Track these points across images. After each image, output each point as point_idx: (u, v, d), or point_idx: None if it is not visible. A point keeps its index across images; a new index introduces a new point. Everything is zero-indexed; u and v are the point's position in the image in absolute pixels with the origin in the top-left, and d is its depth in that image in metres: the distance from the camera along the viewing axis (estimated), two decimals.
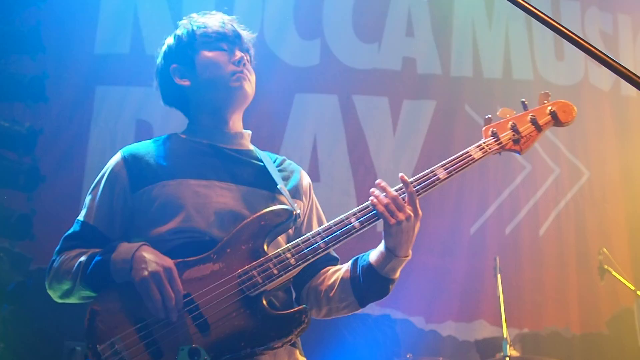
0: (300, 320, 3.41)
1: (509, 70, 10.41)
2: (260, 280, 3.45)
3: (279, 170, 4.03)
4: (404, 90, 10.05)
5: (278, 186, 3.85)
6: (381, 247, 3.66)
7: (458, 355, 9.07)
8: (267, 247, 3.58)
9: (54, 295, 3.82)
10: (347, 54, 9.90)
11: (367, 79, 9.89)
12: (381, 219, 3.58)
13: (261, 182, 3.87)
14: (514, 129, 3.88)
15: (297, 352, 3.75)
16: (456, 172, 3.79)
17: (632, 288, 8.52)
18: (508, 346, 7.23)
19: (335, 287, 3.79)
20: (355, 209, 3.65)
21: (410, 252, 3.66)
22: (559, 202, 10.13)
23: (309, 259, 3.54)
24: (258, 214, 3.63)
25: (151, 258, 3.43)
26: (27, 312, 7.78)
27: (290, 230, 3.84)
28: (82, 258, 3.59)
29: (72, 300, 3.73)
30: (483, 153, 3.86)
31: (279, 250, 3.55)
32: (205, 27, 4.03)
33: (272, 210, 3.65)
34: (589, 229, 10.07)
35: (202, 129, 3.99)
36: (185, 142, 3.97)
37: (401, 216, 3.54)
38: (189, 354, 3.29)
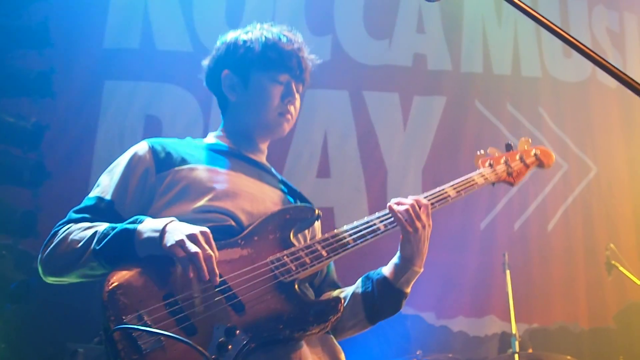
0: (336, 309, 3.26)
1: (518, 66, 10.13)
2: (294, 268, 3.31)
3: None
4: (414, 86, 9.76)
5: (299, 193, 3.83)
6: (395, 260, 3.62)
7: (468, 351, 8.76)
8: (294, 238, 3.49)
9: (46, 271, 3.39)
10: (358, 50, 9.62)
11: (377, 75, 9.61)
12: (393, 223, 3.56)
13: (287, 190, 3.82)
14: (507, 163, 4.15)
15: (332, 338, 3.53)
16: (465, 193, 3.92)
17: (639, 283, 8.12)
18: (516, 343, 7.00)
19: (345, 305, 3.53)
20: (377, 214, 3.61)
21: (422, 267, 3.61)
22: (567, 198, 9.79)
23: (338, 253, 3.45)
24: (284, 207, 3.60)
25: (185, 226, 3.12)
26: (30, 312, 7.48)
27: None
28: (98, 228, 3.24)
29: (68, 278, 3.36)
30: (484, 180, 4.03)
31: (309, 242, 3.48)
32: (273, 51, 3.77)
33: (297, 206, 3.65)
34: (597, 224, 9.75)
35: (232, 138, 3.86)
36: (214, 144, 3.83)
37: (418, 224, 3.51)
38: (225, 332, 3.01)
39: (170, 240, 3.04)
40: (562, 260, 9.49)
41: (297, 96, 3.82)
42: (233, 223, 3.40)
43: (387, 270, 3.59)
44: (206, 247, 3.05)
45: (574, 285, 9.40)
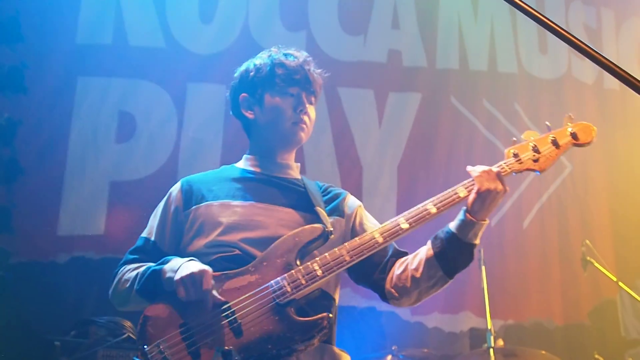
0: (322, 326, 3.63)
1: (494, 62, 10.22)
2: (290, 290, 3.71)
3: (324, 195, 4.31)
4: (389, 83, 9.85)
5: (315, 208, 4.08)
6: (460, 216, 3.86)
7: (444, 347, 8.87)
8: (300, 261, 3.83)
9: (115, 303, 4.17)
10: (333, 46, 9.67)
11: (352, 71, 9.67)
12: (391, 236, 3.85)
13: (301, 204, 4.12)
14: (535, 149, 4.03)
15: (332, 347, 3.95)
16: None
17: (615, 279, 8.37)
18: (492, 337, 7.11)
19: (421, 268, 3.93)
20: (378, 228, 3.90)
21: (488, 218, 3.91)
22: (542, 195, 9.94)
23: (334, 271, 3.79)
24: (294, 231, 3.89)
25: (193, 264, 3.72)
26: (6, 307, 7.55)
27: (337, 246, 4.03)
28: (139, 270, 3.96)
29: (130, 308, 4.08)
30: (504, 172, 3.98)
31: (308, 262, 3.81)
32: (281, 68, 4.24)
33: (305, 228, 3.90)
34: (572, 221, 9.90)
35: (256, 158, 4.34)
36: (237, 170, 4.34)
37: (494, 185, 3.82)
38: (223, 354, 3.51)
39: (177, 277, 3.68)
40: (538, 257, 9.60)
41: (310, 107, 4.27)
42: (239, 252, 3.87)
43: (454, 227, 3.86)
44: (199, 282, 3.62)
45: (549, 281, 9.54)
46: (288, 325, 3.64)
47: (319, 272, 3.73)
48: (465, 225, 3.82)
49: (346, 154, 9.41)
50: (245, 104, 4.30)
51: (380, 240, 3.82)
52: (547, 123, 4.10)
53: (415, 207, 3.87)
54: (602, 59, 2.44)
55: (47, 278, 7.96)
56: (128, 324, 6.47)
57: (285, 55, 4.31)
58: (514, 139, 4.09)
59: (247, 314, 3.67)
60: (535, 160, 4.00)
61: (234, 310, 3.67)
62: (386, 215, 8.36)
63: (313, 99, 4.32)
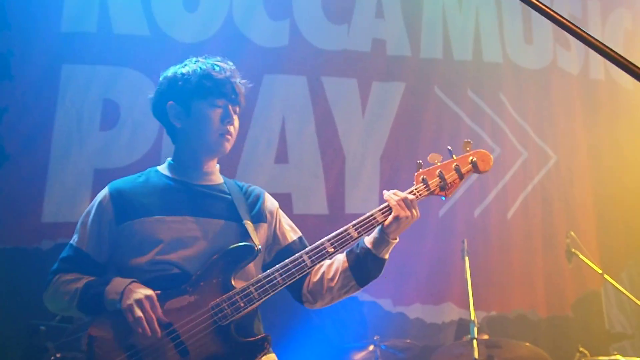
0: (262, 347, 4.12)
1: (479, 52, 10.41)
2: (230, 312, 4.06)
3: (246, 198, 4.62)
4: (373, 72, 9.98)
5: (243, 222, 4.40)
6: (375, 234, 4.31)
7: (425, 338, 9.03)
8: (234, 279, 4.19)
9: (50, 308, 4.48)
10: (317, 35, 9.80)
11: (336, 60, 9.81)
12: (319, 259, 4.24)
13: (229, 214, 4.43)
14: (441, 176, 4.41)
15: (270, 356, 4.34)
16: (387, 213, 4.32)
17: (600, 271, 8.55)
18: (475, 329, 7.29)
19: (337, 278, 4.39)
20: (307, 248, 4.29)
21: (398, 237, 4.33)
22: (527, 186, 10.19)
23: (269, 294, 4.15)
24: (224, 250, 4.22)
25: (137, 289, 3.98)
26: None
27: (262, 250, 4.51)
28: (78, 285, 4.17)
29: (66, 314, 4.73)
30: (415, 197, 4.36)
31: (245, 285, 4.15)
32: (209, 80, 4.44)
33: (238, 247, 4.24)
34: (557, 212, 10.15)
35: (180, 166, 4.55)
36: (163, 179, 4.51)
37: (408, 213, 4.25)
38: None
39: (124, 303, 3.93)
40: (522, 248, 9.84)
41: (235, 117, 4.52)
42: (178, 270, 4.15)
43: (370, 243, 4.30)
44: (149, 311, 3.91)
45: (533, 273, 9.78)
46: (231, 346, 4.03)
47: (256, 295, 4.09)
48: (380, 243, 4.27)
49: (329, 143, 9.53)
50: (173, 112, 4.48)
51: (309, 262, 4.19)
52: (449, 147, 4.50)
53: (337, 231, 4.27)
54: (589, 37, 2.60)
55: (32, 265, 8.05)
56: None
57: (213, 66, 4.51)
58: (420, 161, 4.47)
59: (192, 336, 3.98)
60: (442, 188, 4.41)
61: (178, 333, 3.98)
62: (369, 204, 8.73)
63: (238, 109, 4.55)
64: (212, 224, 4.35)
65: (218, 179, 4.64)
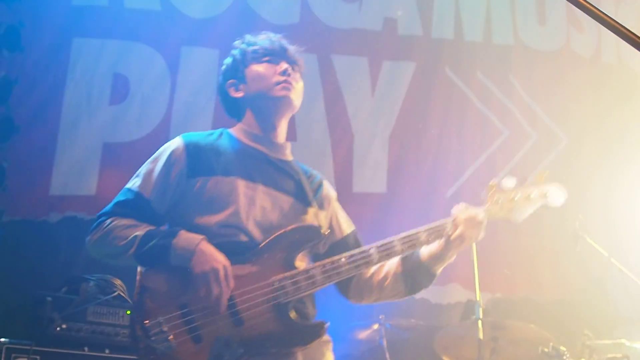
0: (318, 334, 3.99)
1: (490, 34, 10.37)
2: (291, 291, 3.96)
3: (310, 181, 4.58)
4: (383, 51, 9.98)
5: (310, 206, 4.39)
6: (434, 249, 4.28)
7: (431, 318, 9.09)
8: (296, 259, 4.11)
9: (93, 254, 4.32)
10: (328, 13, 9.81)
11: (347, 38, 9.83)
12: (386, 256, 4.16)
13: (298, 194, 4.38)
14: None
15: (325, 338, 4.21)
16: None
17: (606, 255, 8.55)
18: (480, 309, 7.32)
19: (389, 280, 4.38)
20: (377, 243, 4.16)
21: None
22: (536, 168, 9.98)
23: (332, 280, 4.06)
24: (295, 226, 4.17)
25: (212, 254, 3.91)
26: None
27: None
28: (137, 232, 4.04)
29: (110, 261, 4.36)
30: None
31: (310, 266, 4.10)
32: (254, 45, 4.52)
33: (308, 227, 4.24)
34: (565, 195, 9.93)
35: (253, 134, 4.47)
36: (238, 142, 4.45)
37: (477, 234, 4.35)
38: (225, 344, 3.78)
39: (197, 268, 3.86)
40: (529, 230, 9.52)
41: (296, 74, 4.48)
42: (246, 239, 4.08)
43: (426, 256, 4.30)
44: (224, 283, 3.83)
45: (540, 255, 9.75)
46: (289, 327, 3.93)
47: (320, 279, 4.00)
48: (436, 260, 4.29)
49: (338, 121, 9.56)
50: (233, 87, 4.51)
51: (376, 256, 4.11)
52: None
53: (408, 232, 4.18)
54: (602, 15, 2.47)
55: (39, 237, 8.16)
56: (118, 282, 6.64)
57: (257, 35, 4.59)
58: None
59: (250, 308, 3.88)
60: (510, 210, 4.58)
61: (236, 302, 3.89)
62: (376, 184, 8.70)
63: (295, 67, 4.50)
64: (283, 199, 4.30)
65: (289, 156, 4.58)
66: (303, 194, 4.39)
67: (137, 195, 4.22)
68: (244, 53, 4.52)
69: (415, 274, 4.33)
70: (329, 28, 9.74)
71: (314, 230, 4.22)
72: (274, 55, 4.45)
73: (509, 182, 4.50)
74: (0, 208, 8.02)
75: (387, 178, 9.49)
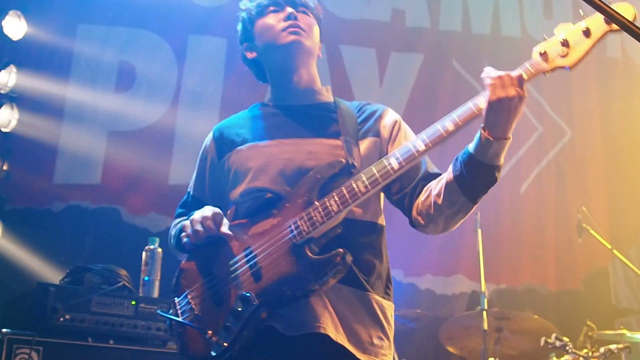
0: (334, 263, 3.39)
1: (498, 26, 10.24)
2: (306, 229, 3.50)
3: (359, 115, 3.98)
4: (392, 43, 9.86)
5: (340, 137, 3.81)
6: (477, 135, 3.40)
7: (435, 309, 8.98)
8: (319, 198, 3.59)
9: (177, 256, 4.14)
10: (336, 3, 9.62)
11: (355, 29, 9.68)
12: (408, 160, 3.48)
13: (329, 132, 3.87)
14: (564, 43, 3.41)
15: (372, 294, 3.67)
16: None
17: (609, 247, 8.47)
18: (485, 300, 7.23)
19: (443, 193, 3.55)
20: (395, 151, 3.51)
21: (511, 134, 3.36)
22: (541, 161, 10.04)
23: (349, 204, 3.50)
24: (315, 168, 3.67)
25: (208, 208, 3.71)
26: (1, 253, 7.68)
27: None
28: (178, 224, 3.96)
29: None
30: (529, 75, 3.41)
31: (325, 198, 3.55)
32: (253, 1, 4.15)
33: (327, 163, 3.66)
34: (569, 187, 10.00)
35: (276, 91, 4.12)
36: (262, 107, 4.13)
37: (512, 91, 3.30)
38: (241, 299, 3.52)
39: (185, 222, 3.74)
40: (533, 222, 9.71)
41: (302, 15, 4.02)
42: (271, 195, 3.69)
43: (472, 147, 3.43)
44: (211, 223, 3.61)
45: (544, 247, 9.65)
46: (303, 265, 3.46)
47: (334, 207, 3.47)
48: (482, 145, 3.37)
49: None
50: (247, 49, 4.14)
51: (396, 166, 3.45)
52: (581, 11, 3.37)
53: (432, 126, 3.46)
54: (607, 8, 2.35)
55: (43, 226, 8.01)
56: (123, 272, 6.43)
57: None
58: (545, 36, 3.48)
59: (266, 257, 3.55)
60: (564, 56, 3.41)
61: (255, 254, 3.58)
62: None
63: (302, 8, 4.07)
64: (307, 144, 3.81)
65: (325, 97, 4.07)
66: (338, 131, 3.84)
67: (187, 194, 4.23)
68: (248, 13, 4.14)
69: (467, 172, 3.44)
70: (337, 18, 9.58)
71: (336, 163, 3.62)
72: (276, 4, 4.05)
73: (561, 30, 3.44)
74: (4, 196, 7.85)
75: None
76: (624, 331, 7.55)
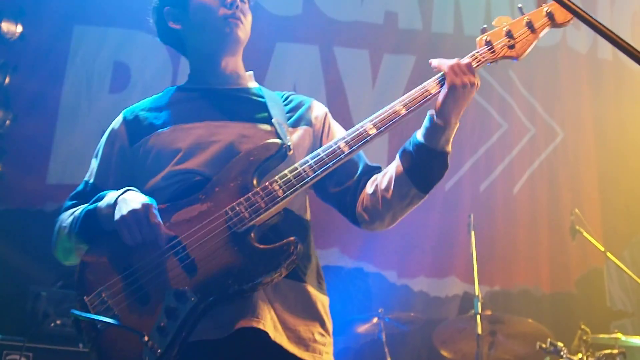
0: (288, 253, 3.15)
1: (489, 28, 9.89)
2: (247, 215, 3.21)
3: (286, 104, 3.81)
4: (384, 44, 9.81)
5: (272, 120, 3.58)
6: (426, 123, 3.41)
7: (429, 311, 8.89)
8: (257, 182, 3.34)
9: (59, 258, 3.71)
10: (330, 5, 9.60)
11: (348, 31, 9.63)
12: (358, 142, 3.37)
13: (260, 117, 3.65)
14: (509, 34, 3.55)
15: (308, 286, 3.46)
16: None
17: (602, 249, 8.34)
18: (479, 304, 7.12)
19: (392, 188, 3.44)
20: (344, 134, 3.42)
21: (459, 120, 3.43)
22: (534, 162, 9.99)
23: (296, 189, 3.29)
24: (245, 151, 3.40)
25: (132, 198, 3.27)
26: None
27: (302, 159, 3.46)
28: (76, 212, 3.49)
29: (73, 258, 3.56)
30: (477, 63, 3.53)
31: (266, 183, 3.30)
32: None
33: (261, 145, 3.40)
34: (562, 189, 9.97)
35: (198, 74, 3.85)
36: (181, 90, 3.83)
37: (466, 79, 3.38)
38: (175, 296, 3.11)
39: (117, 216, 3.23)
40: (527, 224, 9.66)
41: (244, 5, 3.74)
42: (200, 177, 3.41)
43: (422, 135, 3.40)
44: (145, 221, 3.17)
45: (538, 249, 9.60)
46: (250, 255, 3.16)
47: (280, 192, 3.26)
48: (434, 132, 3.36)
49: (339, 113, 8.99)
50: (171, 16, 3.80)
51: (346, 149, 3.33)
52: (519, 5, 3.65)
53: (382, 110, 3.43)
54: (596, 23, 2.39)
55: (35, 227, 7.78)
56: None
57: None
58: (484, 26, 3.66)
59: (200, 248, 3.20)
60: (511, 47, 3.54)
61: (185, 245, 3.21)
62: None
63: None
64: (238, 127, 3.57)
65: (249, 83, 3.87)
66: (267, 115, 3.65)
67: (85, 183, 3.71)
68: None
69: (418, 163, 3.38)
70: (331, 20, 9.55)
71: (271, 145, 3.39)
72: None
73: (501, 21, 3.62)
74: None
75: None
76: (619, 335, 7.44)
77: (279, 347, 3.25)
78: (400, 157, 3.46)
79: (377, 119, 3.41)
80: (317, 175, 3.32)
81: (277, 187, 3.26)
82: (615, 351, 7.07)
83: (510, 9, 10.17)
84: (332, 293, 3.76)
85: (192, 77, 3.87)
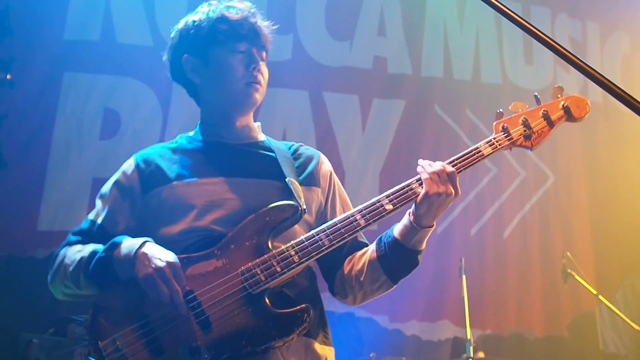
0: (301, 320, 3.27)
1: (479, 72, 10.30)
2: (263, 278, 3.34)
3: (295, 158, 3.89)
4: (374, 89, 9.87)
5: (286, 179, 3.66)
6: (405, 220, 3.54)
7: (421, 355, 8.91)
8: (272, 243, 3.46)
9: (56, 292, 3.71)
10: (319, 51, 9.70)
11: (338, 76, 9.69)
12: (374, 217, 3.47)
13: (272, 173, 3.71)
14: (526, 124, 3.70)
15: (315, 343, 3.55)
16: (465, 168, 3.62)
17: (595, 292, 8.38)
18: (471, 348, 7.17)
19: (365, 271, 3.63)
20: (360, 206, 3.51)
21: (434, 223, 3.54)
22: (524, 205, 10.03)
23: (312, 257, 3.41)
24: (263, 209, 3.49)
25: (155, 254, 3.33)
26: None
27: (310, 218, 3.72)
28: (84, 253, 3.50)
29: (74, 296, 3.65)
30: (493, 149, 3.69)
31: (282, 247, 3.42)
32: (221, 21, 3.78)
33: (277, 206, 3.50)
34: (553, 232, 10.00)
35: (210, 127, 3.87)
36: (194, 141, 3.87)
37: (443, 188, 3.46)
38: (190, 352, 3.21)
39: (140, 271, 3.27)
40: (518, 267, 9.68)
41: (262, 64, 3.80)
42: (217, 234, 3.46)
43: (397, 231, 3.54)
44: (173, 282, 3.24)
45: (529, 292, 9.59)
46: (263, 318, 3.26)
47: (296, 258, 3.37)
48: (409, 232, 3.50)
49: (329, 158, 9.04)
50: (190, 67, 3.82)
51: (362, 222, 3.43)
52: (536, 94, 3.78)
53: (398, 186, 3.51)
54: (586, 67, 2.43)
55: (26, 274, 7.83)
56: None
57: (227, 7, 3.83)
58: (500, 110, 3.79)
59: (216, 306, 3.28)
60: (527, 137, 3.68)
61: (200, 302, 3.29)
62: None
63: (264, 54, 3.86)
64: (251, 184, 3.64)
65: (259, 136, 3.92)
66: (278, 171, 3.70)
67: (90, 222, 3.72)
68: (208, 29, 3.79)
69: (391, 256, 3.54)
70: (320, 65, 9.64)
71: (287, 207, 3.50)
72: (245, 40, 3.76)
73: (517, 107, 3.76)
74: None
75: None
76: None
77: None
78: (376, 246, 3.63)
79: (393, 195, 3.50)
80: (333, 245, 3.43)
81: (293, 253, 3.38)
82: None
83: (498, 53, 10.32)
84: None
85: (203, 128, 3.89)
